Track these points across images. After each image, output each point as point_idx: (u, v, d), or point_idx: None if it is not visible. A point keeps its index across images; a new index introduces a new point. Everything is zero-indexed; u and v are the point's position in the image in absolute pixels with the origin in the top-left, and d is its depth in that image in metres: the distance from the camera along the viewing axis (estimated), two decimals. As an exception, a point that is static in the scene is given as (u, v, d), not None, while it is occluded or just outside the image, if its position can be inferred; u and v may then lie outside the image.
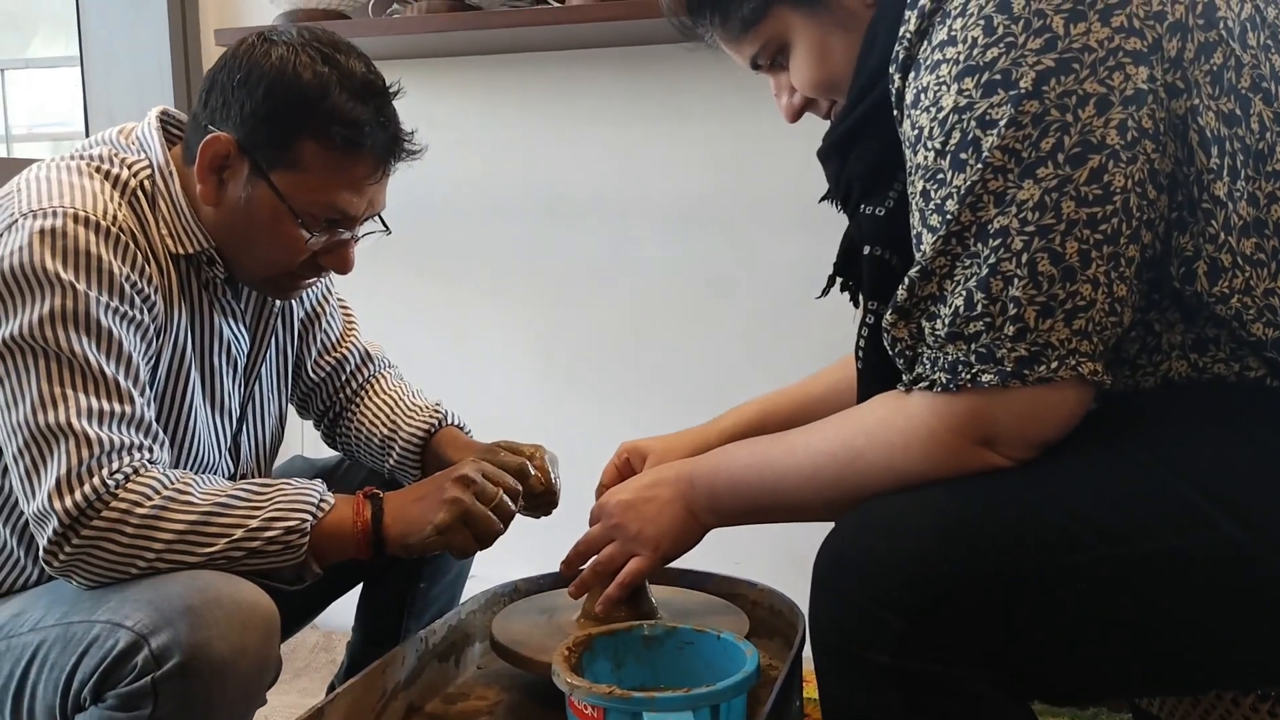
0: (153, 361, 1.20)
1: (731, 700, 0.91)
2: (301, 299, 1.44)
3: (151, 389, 1.20)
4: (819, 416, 1.24)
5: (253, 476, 1.39)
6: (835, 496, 0.99)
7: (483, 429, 2.27)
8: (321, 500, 1.14)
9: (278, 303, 1.38)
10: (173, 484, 1.10)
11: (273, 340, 1.39)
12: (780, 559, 1.71)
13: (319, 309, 1.47)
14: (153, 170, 1.23)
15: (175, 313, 1.22)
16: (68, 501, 1.05)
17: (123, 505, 1.07)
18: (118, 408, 1.10)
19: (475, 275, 2.31)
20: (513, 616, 1.27)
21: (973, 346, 0.88)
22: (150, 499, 1.08)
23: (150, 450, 1.12)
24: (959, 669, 0.86)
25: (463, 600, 1.50)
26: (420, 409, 1.46)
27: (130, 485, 1.08)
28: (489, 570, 1.64)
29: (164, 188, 1.22)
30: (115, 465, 1.07)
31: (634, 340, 2.22)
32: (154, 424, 1.14)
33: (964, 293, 0.88)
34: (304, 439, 1.83)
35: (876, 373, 1.05)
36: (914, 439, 0.92)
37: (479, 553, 1.46)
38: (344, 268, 1.26)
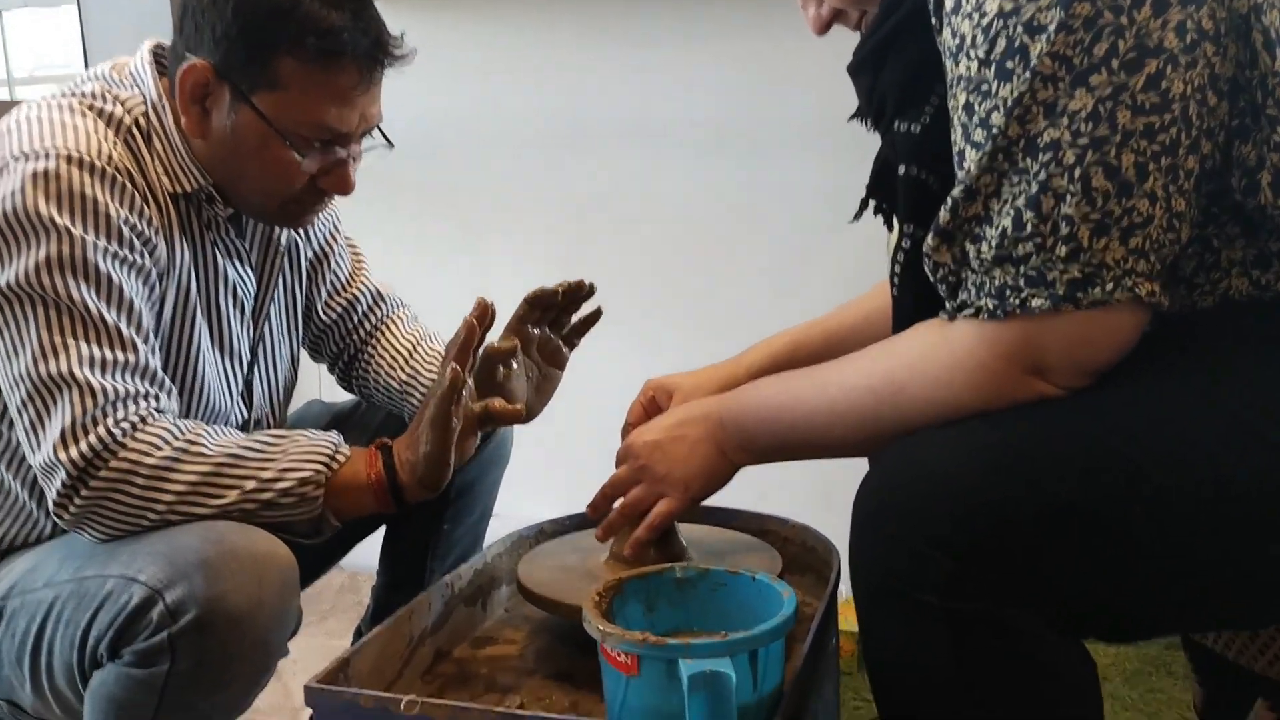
0: (156, 306, 1.15)
1: (769, 645, 0.87)
2: (308, 237, 1.39)
3: (156, 335, 1.16)
4: (852, 348, 1.19)
5: (267, 422, 1.35)
6: (874, 433, 0.94)
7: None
8: (336, 452, 1.10)
9: (283, 242, 1.33)
10: (183, 434, 1.06)
11: (280, 281, 1.34)
12: (810, 492, 1.66)
13: (327, 248, 1.42)
14: (146, 106, 1.17)
15: (178, 255, 1.18)
16: (73, 452, 1.02)
17: (132, 455, 1.03)
18: (120, 355, 1.06)
19: (488, 209, 2.25)
20: (539, 559, 1.24)
21: (1022, 269, 0.83)
22: (160, 449, 1.04)
23: (156, 398, 1.08)
24: (1010, 607, 0.82)
25: (487, 543, 1.48)
26: (439, 355, 1.41)
27: (139, 435, 1.04)
28: (514, 509, 1.61)
29: (158, 124, 1.17)
30: (121, 414, 1.04)
31: (655, 273, 2.17)
32: (159, 372, 1.11)
33: (1012, 212, 0.83)
34: (321, 383, 1.79)
35: (915, 301, 1.00)
36: (959, 370, 0.87)
37: (501, 484, 1.44)
38: (344, 188, 1.21)
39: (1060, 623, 0.83)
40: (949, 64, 0.88)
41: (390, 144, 1.25)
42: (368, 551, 1.54)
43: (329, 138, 1.16)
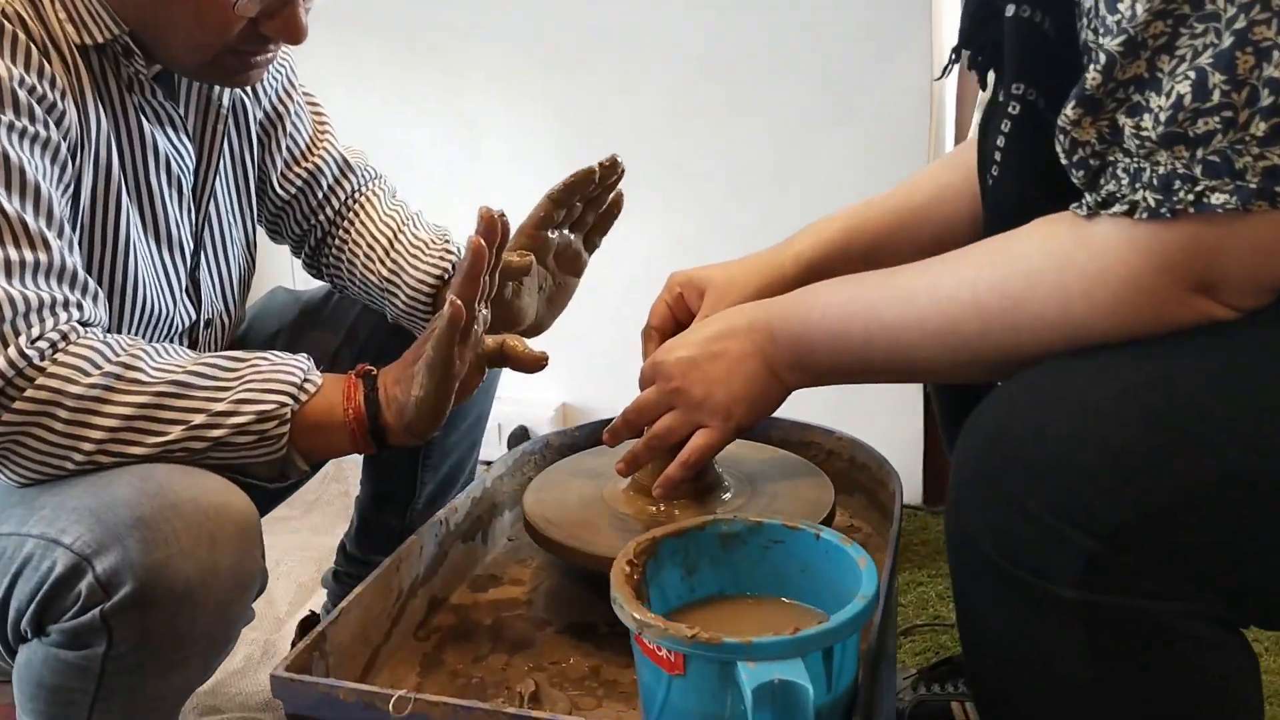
0: (70, 189, 0.93)
1: (847, 639, 0.69)
2: (256, 95, 1.15)
3: (74, 226, 0.94)
4: (924, 235, 0.99)
5: (220, 322, 1.14)
6: (976, 358, 0.75)
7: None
8: (306, 380, 0.90)
9: (225, 102, 1.10)
10: (117, 355, 0.86)
11: (225, 150, 1.11)
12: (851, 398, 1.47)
13: (280, 107, 1.18)
14: None
15: (92, 123, 0.95)
16: None
17: (52, 383, 0.83)
18: (29, 255, 0.85)
19: (479, 57, 1.98)
20: (548, 488, 1.05)
21: (1199, 153, 0.62)
22: (87, 374, 0.84)
23: (79, 307, 0.87)
24: (1165, 600, 0.63)
25: (485, 452, 1.30)
26: (426, 246, 1.19)
27: (60, 357, 0.84)
28: (517, 394, 1.39)
29: None
30: (36, 330, 0.83)
31: (668, 133, 1.92)
32: (80, 271, 0.89)
33: (1192, 74, 0.61)
34: (291, 267, 1.57)
35: (1022, 184, 0.79)
36: (1101, 283, 0.67)
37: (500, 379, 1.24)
38: (295, 35, 0.97)
39: (1223, 612, 0.65)
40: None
41: None
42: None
43: None
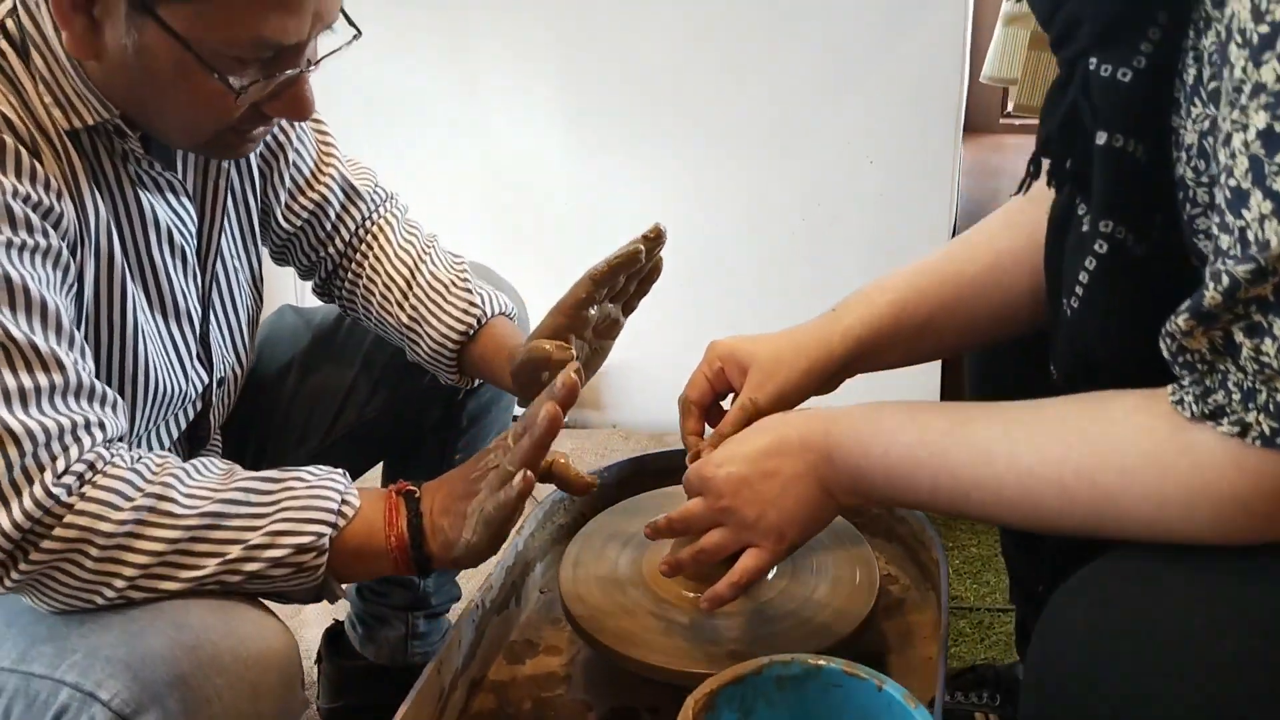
0: (73, 290, 0.87)
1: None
2: None
3: (79, 322, 0.88)
4: (978, 310, 0.94)
5: (233, 373, 1.08)
6: (1051, 527, 0.72)
7: (500, 196, 1.92)
8: (343, 503, 0.85)
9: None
10: (148, 483, 0.81)
11: (228, 201, 1.03)
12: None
13: (281, 137, 1.10)
14: (16, 8, 0.83)
15: (90, 212, 0.87)
16: (4, 520, 0.77)
17: (82, 521, 0.78)
18: (43, 380, 0.79)
19: (480, 6, 1.85)
20: (583, 562, 1.03)
21: None
22: (117, 509, 0.79)
23: (102, 427, 0.81)
24: None
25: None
26: (445, 291, 1.12)
27: (89, 491, 0.79)
28: None
29: (35, 33, 0.84)
30: (61, 463, 0.78)
31: (680, 79, 1.81)
32: (96, 383, 0.83)
33: None
34: (296, 287, 1.49)
35: (1106, 322, 0.74)
36: (1204, 498, 0.63)
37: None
38: (301, 112, 0.89)
39: None
40: (1232, 51, 0.58)
41: (359, 32, 0.92)
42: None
43: (271, 54, 0.83)
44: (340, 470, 0.88)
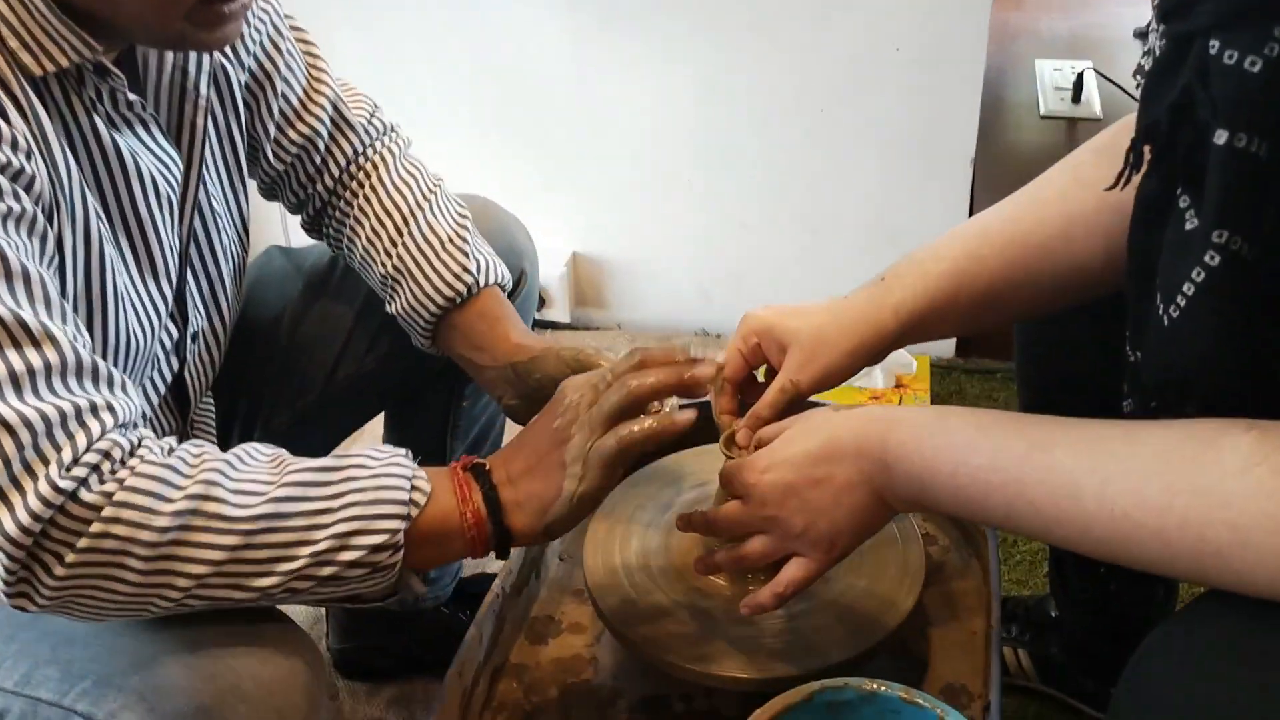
0: (54, 260, 0.76)
1: None
2: (238, 56, 0.94)
3: (65, 296, 0.78)
4: (1043, 280, 0.85)
5: (212, 328, 0.98)
6: (1144, 568, 0.65)
7: (496, 84, 1.78)
8: (413, 489, 0.76)
9: (203, 88, 0.90)
10: (187, 477, 0.71)
11: (210, 135, 0.92)
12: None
13: (268, 64, 0.98)
14: None
15: (63, 173, 0.77)
16: (9, 524, 0.68)
17: (119, 530, 0.68)
18: (35, 358, 0.68)
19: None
20: (609, 547, 0.96)
21: None
22: (157, 513, 0.69)
23: (110, 410, 0.71)
24: None
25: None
26: (439, 246, 1.00)
27: (121, 495, 0.68)
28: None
29: None
30: (67, 453, 0.66)
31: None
32: (97, 361, 0.72)
33: None
34: (285, 222, 1.38)
35: (1210, 340, 0.66)
36: None
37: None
38: None
39: None
40: None
41: None
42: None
43: None
44: (402, 450, 0.79)
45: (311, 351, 1.12)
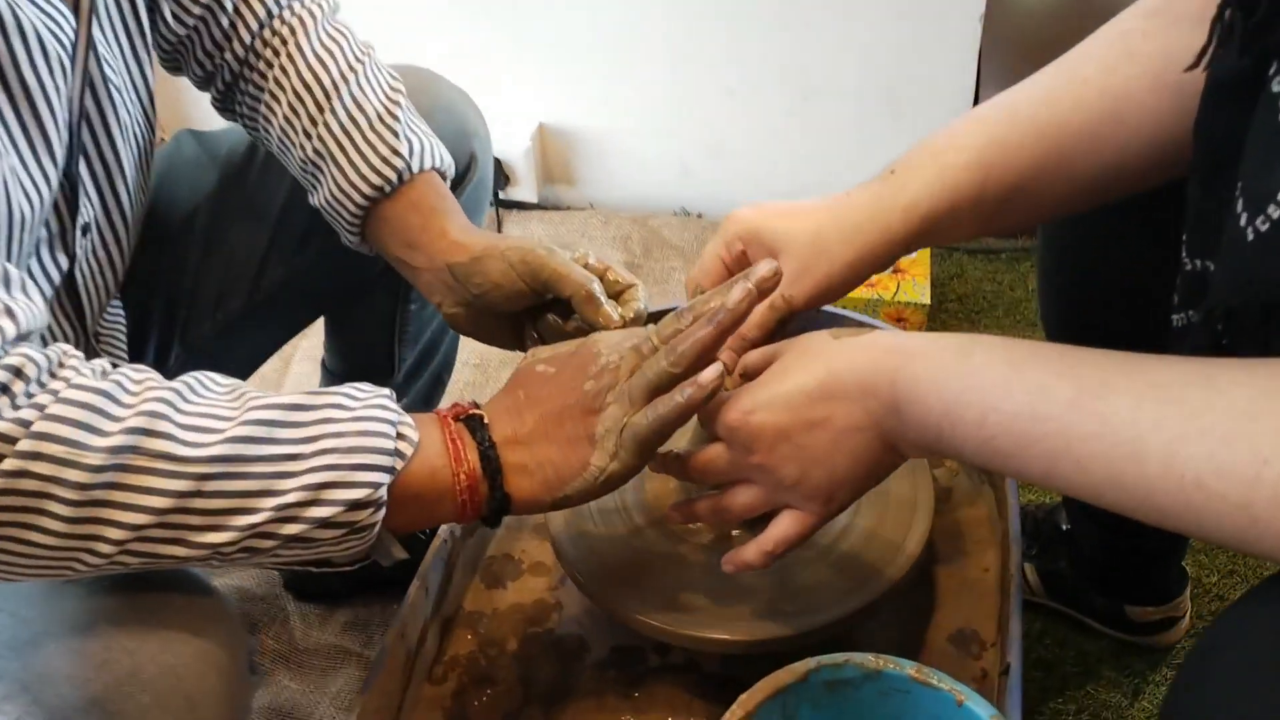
0: None
1: None
2: None
3: None
4: (1077, 169, 0.73)
5: (110, 222, 0.83)
6: (1211, 541, 0.53)
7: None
8: (399, 436, 0.63)
9: None
10: (125, 406, 0.58)
11: None
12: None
13: None
14: None
15: None
16: None
17: (39, 468, 0.55)
18: None
19: None
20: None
21: None
22: (86, 447, 0.56)
23: (9, 314, 0.57)
24: None
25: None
26: (370, 125, 0.84)
27: (38, 423, 0.55)
28: (490, 114, 1.07)
29: None
30: None
31: None
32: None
33: None
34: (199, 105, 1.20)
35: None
36: None
37: None
38: None
39: None
40: None
41: None
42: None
43: None
44: (385, 391, 0.66)
45: (233, 252, 0.98)
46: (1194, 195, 0.62)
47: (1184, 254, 0.63)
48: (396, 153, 0.83)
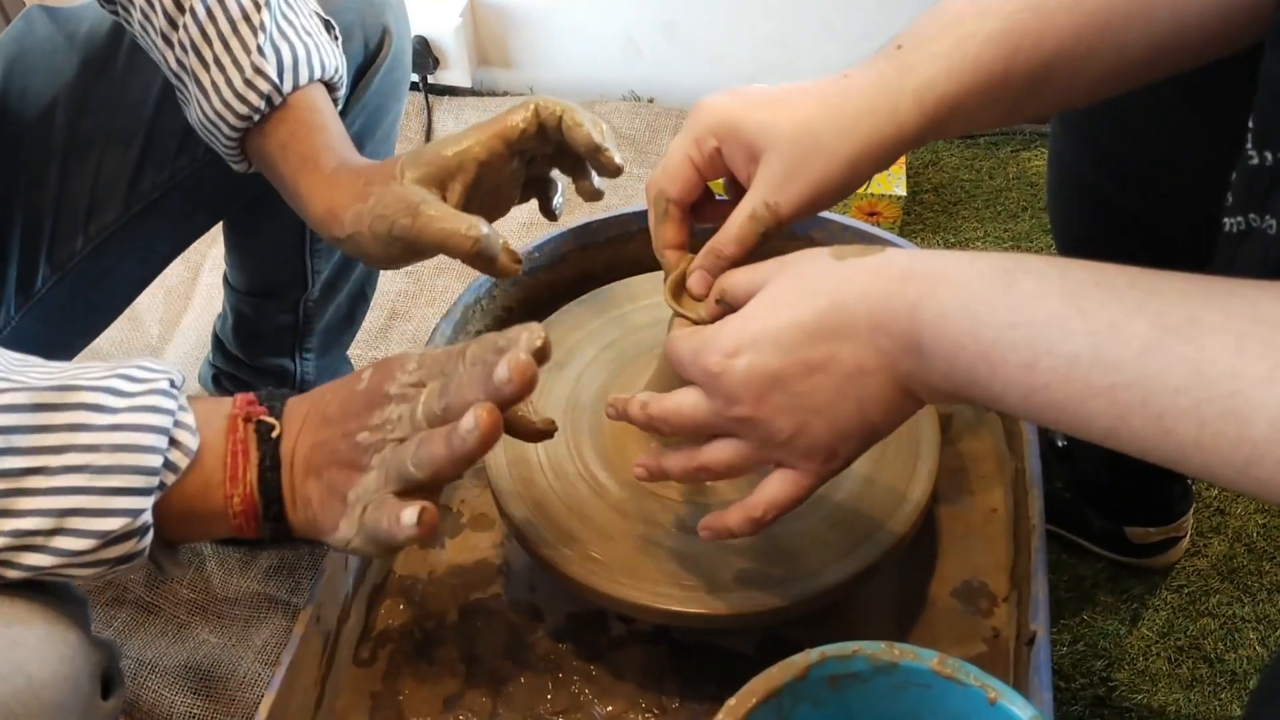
0: None
1: None
2: None
3: None
4: (1131, 41, 0.62)
5: None
6: None
7: None
8: (172, 444, 0.51)
9: None
10: None
11: None
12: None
13: None
14: None
15: None
16: None
17: None
18: None
19: None
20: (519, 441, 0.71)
21: None
22: None
23: None
24: None
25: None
26: (233, 28, 0.67)
27: None
28: None
29: None
30: None
31: None
32: None
33: None
34: None
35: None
36: None
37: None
38: None
39: None
40: None
41: None
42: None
43: None
44: (166, 371, 0.53)
45: (102, 153, 0.82)
46: (1269, 73, 0.50)
47: (1249, 144, 0.51)
48: (260, 72, 0.67)
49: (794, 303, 0.53)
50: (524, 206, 0.77)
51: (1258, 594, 1.05)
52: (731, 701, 0.51)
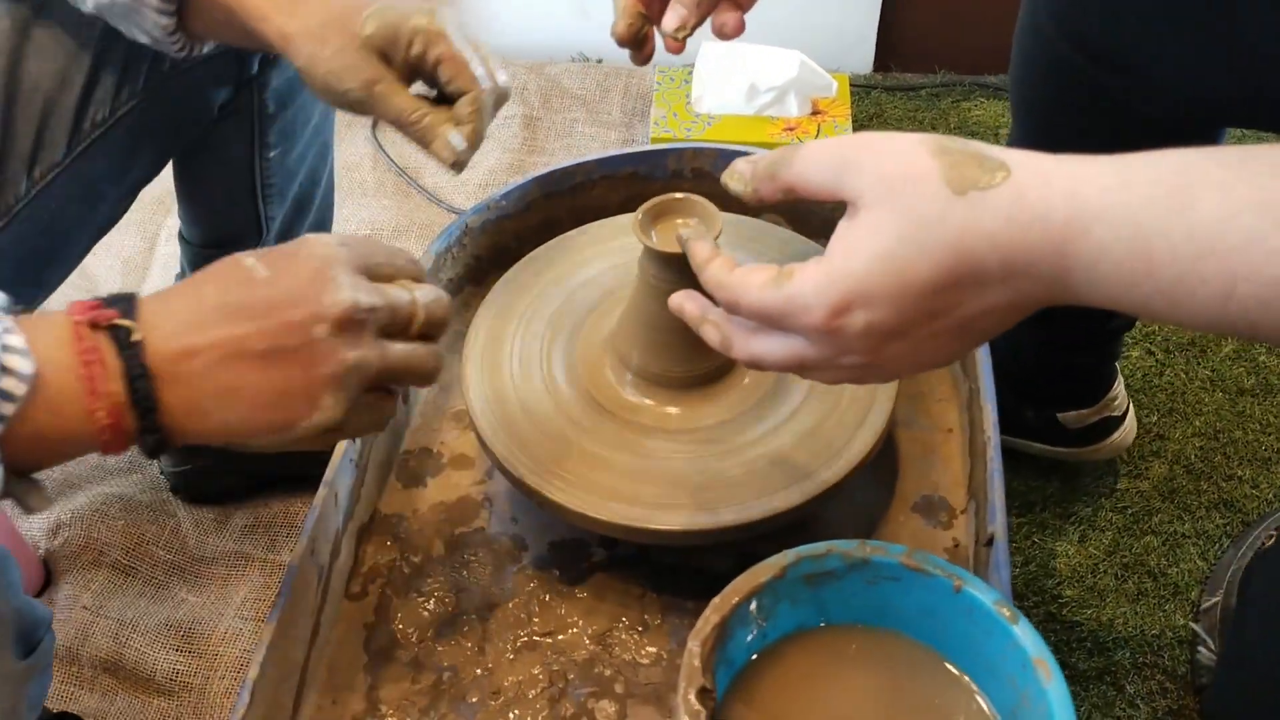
0: None
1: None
2: None
3: None
4: None
5: None
6: None
7: None
8: (3, 370, 0.47)
9: None
10: None
11: None
12: None
13: None
14: None
15: None
16: None
17: None
18: None
19: None
20: (494, 378, 0.74)
21: None
22: None
23: None
24: None
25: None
26: None
27: None
28: None
29: None
30: None
31: None
32: None
33: None
34: None
35: None
36: None
37: None
38: None
39: None
40: None
41: None
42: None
43: None
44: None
45: (42, 96, 0.82)
46: None
47: None
48: None
49: (912, 257, 0.46)
50: (480, 166, 0.79)
51: (1196, 511, 1.11)
52: (716, 600, 0.55)
